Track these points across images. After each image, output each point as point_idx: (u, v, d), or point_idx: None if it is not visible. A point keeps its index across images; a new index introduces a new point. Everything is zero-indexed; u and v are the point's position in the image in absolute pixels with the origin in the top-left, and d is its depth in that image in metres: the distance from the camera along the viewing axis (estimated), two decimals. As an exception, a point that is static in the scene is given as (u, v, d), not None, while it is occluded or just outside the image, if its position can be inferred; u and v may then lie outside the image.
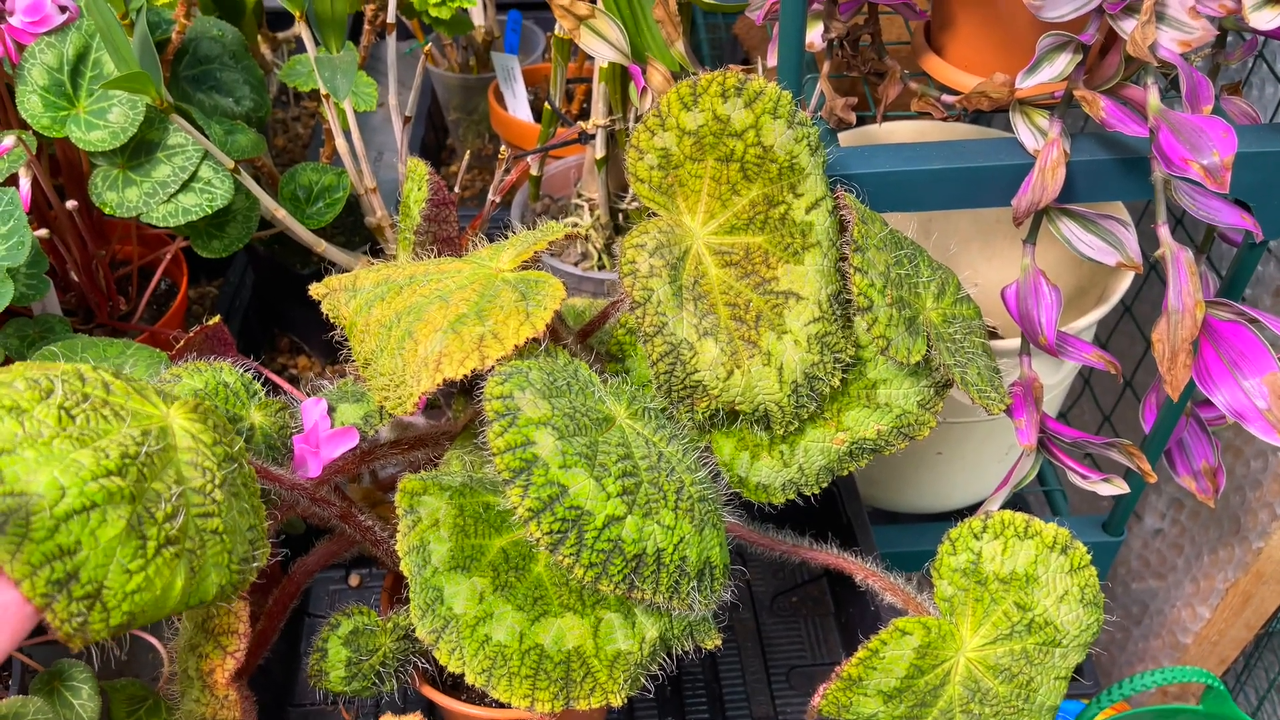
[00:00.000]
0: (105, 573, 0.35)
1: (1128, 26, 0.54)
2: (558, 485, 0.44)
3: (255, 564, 0.43)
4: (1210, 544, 1.12)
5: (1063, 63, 0.57)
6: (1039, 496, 1.03)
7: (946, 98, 0.66)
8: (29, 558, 0.34)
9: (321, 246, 0.74)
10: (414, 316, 0.50)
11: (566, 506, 0.44)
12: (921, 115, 0.68)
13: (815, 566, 0.81)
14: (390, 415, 0.57)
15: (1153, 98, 0.54)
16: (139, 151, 0.67)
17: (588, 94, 1.03)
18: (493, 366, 0.47)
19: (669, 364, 0.52)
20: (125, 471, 0.36)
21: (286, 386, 0.69)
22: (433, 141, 1.18)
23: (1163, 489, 1.16)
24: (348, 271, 0.80)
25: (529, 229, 0.88)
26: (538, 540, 0.44)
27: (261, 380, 0.56)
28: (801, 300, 0.54)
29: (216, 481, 0.40)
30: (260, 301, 0.92)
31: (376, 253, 0.85)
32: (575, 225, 0.84)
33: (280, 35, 1.05)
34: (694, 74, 0.71)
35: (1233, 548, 1.09)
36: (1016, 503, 1.00)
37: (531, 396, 0.46)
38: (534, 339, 0.47)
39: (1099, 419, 1.18)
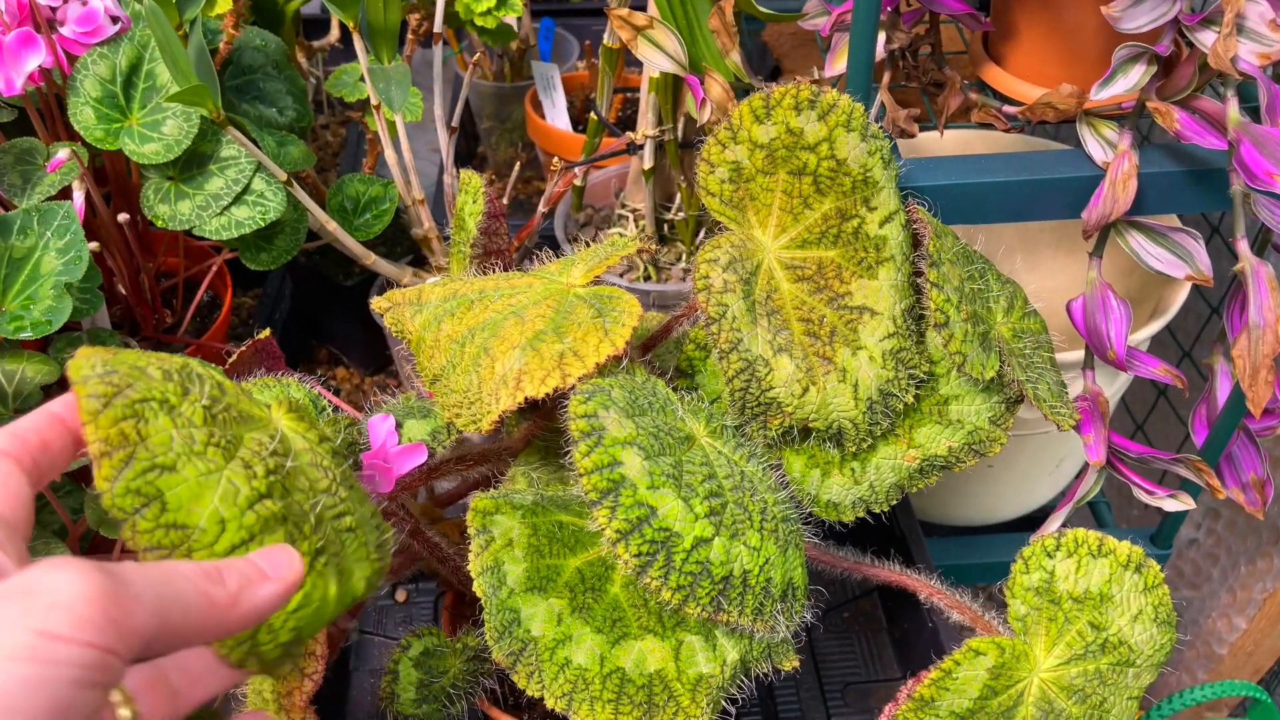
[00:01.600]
0: None
1: (1206, 39, 0.53)
2: (646, 506, 0.43)
3: (388, 546, 0.42)
4: (1247, 554, 1.11)
5: (1137, 74, 0.56)
6: (1083, 509, 1.02)
7: (1008, 108, 0.66)
8: None
9: (370, 259, 0.74)
10: (489, 333, 0.49)
11: (655, 528, 0.43)
12: (983, 126, 0.67)
13: (867, 581, 0.80)
14: (460, 433, 0.56)
15: (1233, 110, 0.54)
16: (191, 164, 0.66)
17: (624, 102, 1.02)
18: (573, 385, 0.46)
19: (744, 381, 0.51)
20: (273, 490, 0.35)
21: (337, 402, 0.68)
22: (464, 149, 1.17)
23: (1200, 499, 1.15)
24: (395, 281, 0.79)
25: (571, 239, 0.87)
26: (625, 562, 0.43)
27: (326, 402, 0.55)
28: (876, 315, 0.53)
29: (339, 480, 0.39)
30: (299, 312, 0.91)
31: (419, 263, 0.84)
32: (622, 235, 0.83)
33: (316, 43, 1.04)
34: (750, 84, 0.70)
35: (1271, 558, 1.08)
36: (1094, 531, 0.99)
37: (616, 415, 0.45)
38: (614, 356, 0.47)
39: (1130, 427, 1.17)
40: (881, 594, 0.79)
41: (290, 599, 0.34)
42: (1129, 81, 0.56)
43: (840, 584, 0.79)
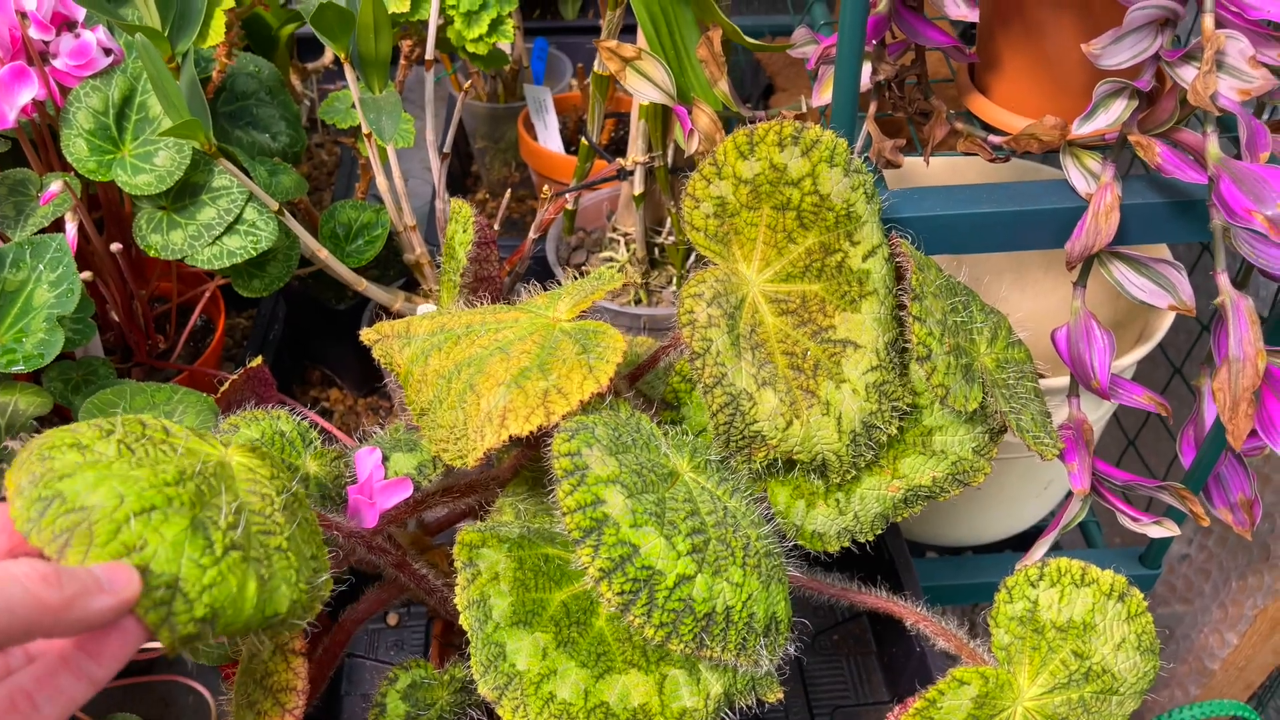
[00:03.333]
0: (177, 566, 0.36)
1: (1187, 75, 0.54)
2: (629, 545, 0.44)
3: (320, 592, 0.44)
4: (1239, 570, 1.12)
5: (1119, 108, 0.56)
6: (1073, 528, 1.02)
7: (993, 139, 0.66)
8: (98, 561, 0.35)
9: (362, 285, 0.74)
10: (475, 369, 0.50)
11: (638, 566, 0.43)
12: (968, 155, 0.67)
13: (856, 605, 0.81)
14: (446, 466, 0.57)
15: (1212, 146, 0.54)
16: (183, 194, 0.67)
17: (618, 126, 1.03)
18: (558, 422, 0.46)
19: (729, 415, 0.52)
20: (183, 483, 0.38)
21: (325, 424, 0.68)
22: (458, 170, 1.18)
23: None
24: (386, 307, 0.80)
25: (562, 263, 0.88)
26: (609, 600, 0.43)
27: (317, 429, 0.55)
28: (859, 349, 0.54)
29: (277, 505, 0.41)
30: (292, 335, 0.92)
31: (411, 287, 0.85)
32: (612, 259, 0.83)
33: (310, 66, 1.05)
34: (738, 113, 0.71)
35: (1262, 574, 1.09)
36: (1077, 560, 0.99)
37: (599, 453, 0.45)
38: (598, 394, 0.47)
39: (1122, 443, 1.18)
40: (871, 618, 0.79)
41: (123, 611, 0.35)
42: (1110, 116, 0.56)
43: (829, 607, 0.80)
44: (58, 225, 0.64)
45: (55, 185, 0.63)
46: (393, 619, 0.77)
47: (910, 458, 0.57)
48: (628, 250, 0.84)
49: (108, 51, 0.66)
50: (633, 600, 0.44)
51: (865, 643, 0.78)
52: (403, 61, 0.84)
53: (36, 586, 0.32)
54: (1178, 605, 1.25)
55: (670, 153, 0.78)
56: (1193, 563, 1.20)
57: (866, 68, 0.67)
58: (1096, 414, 0.79)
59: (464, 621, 0.49)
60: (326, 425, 0.66)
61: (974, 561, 0.87)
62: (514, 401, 0.47)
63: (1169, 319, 0.75)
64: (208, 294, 0.76)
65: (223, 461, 0.42)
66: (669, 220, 0.83)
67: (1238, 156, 0.55)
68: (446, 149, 0.78)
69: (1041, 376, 0.72)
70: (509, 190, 0.82)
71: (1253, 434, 0.77)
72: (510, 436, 0.46)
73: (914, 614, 0.62)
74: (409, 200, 0.75)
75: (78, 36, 0.64)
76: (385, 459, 0.56)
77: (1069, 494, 0.83)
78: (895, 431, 0.55)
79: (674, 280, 0.85)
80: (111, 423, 0.40)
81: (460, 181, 1.19)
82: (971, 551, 0.94)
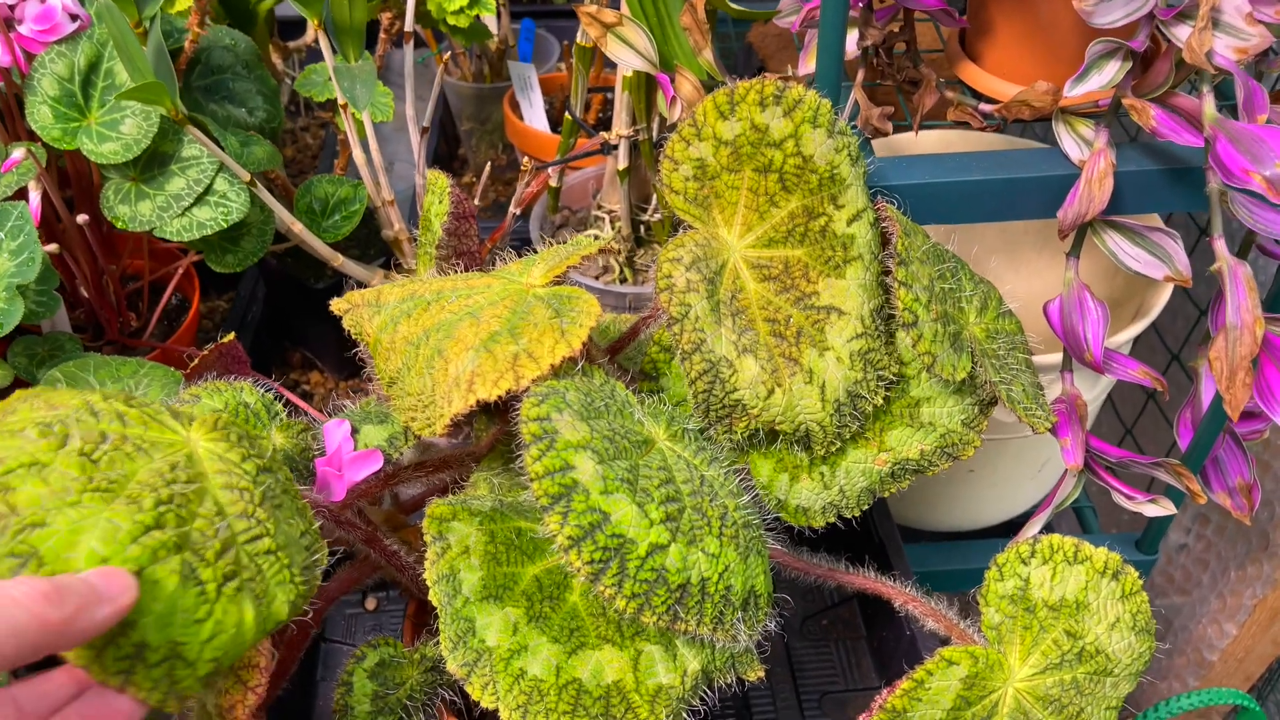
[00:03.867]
0: (174, 631, 0.34)
1: (1181, 33, 0.52)
2: (599, 512, 0.42)
3: (318, 568, 0.41)
4: (1237, 560, 1.10)
5: (1112, 70, 0.55)
6: (1068, 513, 1.01)
7: (984, 106, 0.64)
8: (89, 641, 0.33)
9: (338, 260, 0.72)
10: (443, 334, 0.48)
11: (608, 535, 0.42)
12: (958, 124, 0.66)
13: (845, 588, 0.79)
14: (416, 438, 0.55)
15: (1208, 106, 0.53)
16: (152, 164, 0.65)
17: (604, 103, 1.01)
18: (528, 387, 0.45)
19: (708, 382, 0.50)
20: (163, 521, 0.35)
21: (304, 405, 0.67)
22: (444, 151, 1.16)
23: (1188, 503, 1.14)
24: (364, 285, 0.78)
25: (547, 241, 0.86)
26: (578, 570, 0.42)
27: (283, 401, 0.54)
28: (844, 316, 0.52)
29: (256, 500, 0.38)
30: (272, 316, 0.90)
31: (393, 266, 0.83)
32: (597, 237, 0.82)
33: (291, 44, 1.03)
34: (723, 82, 0.69)
35: (1261, 564, 1.07)
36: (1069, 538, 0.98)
37: (570, 418, 0.43)
38: (570, 358, 0.45)
39: (1119, 430, 1.16)
40: (861, 601, 0.77)
41: (122, 617, 0.33)
42: (1103, 78, 0.55)
43: (819, 591, 0.78)
44: (21, 195, 0.62)
45: (18, 153, 0.61)
46: (371, 603, 0.76)
47: (897, 430, 0.55)
48: (612, 228, 0.82)
49: (74, 17, 0.64)
50: (603, 570, 0.42)
51: (855, 627, 0.76)
52: (382, 35, 0.82)
53: (39, 606, 0.31)
54: (1176, 596, 1.23)
55: (655, 126, 0.76)
56: (1191, 553, 1.18)
57: (854, 34, 0.65)
58: (1091, 394, 0.77)
59: (433, 596, 0.47)
60: (298, 401, 0.65)
61: (968, 547, 0.85)
62: (482, 365, 0.45)
63: (1165, 295, 0.74)
64: (180, 270, 0.74)
65: (190, 454, 0.38)
66: (655, 197, 0.81)
67: (1234, 120, 0.53)
68: (427, 123, 0.76)
69: (1035, 354, 0.71)
70: (488, 165, 0.81)
71: (1251, 416, 0.75)
72: (478, 401, 0.44)
73: (901, 594, 0.60)
74: (386, 174, 0.74)
75: (43, 1, 0.63)
76: (355, 431, 0.54)
77: (1064, 475, 0.81)
78: (881, 402, 0.53)
79: (660, 259, 0.83)
80: (64, 423, 0.36)
81: (448, 164, 1.18)
82: (966, 538, 0.92)
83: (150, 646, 0.34)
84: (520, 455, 0.44)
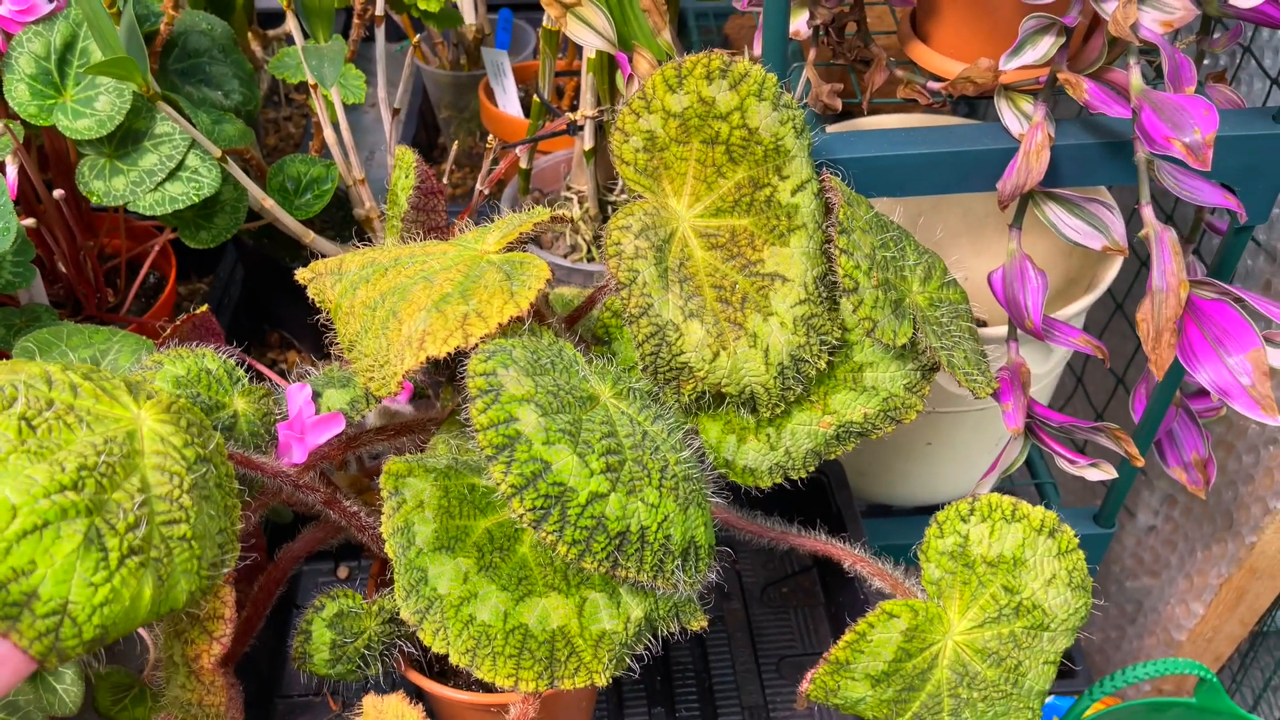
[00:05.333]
0: (67, 589, 0.35)
1: (1109, 7, 0.54)
2: (540, 462, 0.44)
3: (225, 568, 0.43)
4: (1204, 540, 1.12)
5: (1046, 45, 0.57)
6: (1030, 491, 1.03)
7: (932, 84, 0.67)
8: None
9: (310, 237, 0.74)
10: (398, 297, 0.50)
11: (549, 483, 0.44)
12: (908, 102, 0.68)
13: (805, 557, 0.81)
14: (377, 400, 0.57)
15: (1135, 78, 0.55)
16: (126, 140, 0.67)
17: (577, 89, 1.03)
18: (476, 344, 0.47)
19: (655, 345, 0.52)
20: (81, 485, 0.36)
21: (270, 374, 0.69)
22: (424, 140, 1.18)
23: (1155, 485, 1.16)
24: (336, 263, 0.80)
25: (519, 223, 0.88)
26: (520, 517, 0.44)
27: (245, 367, 0.55)
28: (787, 283, 0.54)
29: (184, 487, 0.40)
30: (250, 297, 0.92)
31: (364, 242, 0.85)
32: (563, 219, 0.84)
33: (271, 33, 1.05)
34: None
35: (1225, 543, 1.09)
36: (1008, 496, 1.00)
37: (515, 374, 0.45)
38: (518, 318, 0.47)
39: (1092, 416, 1.18)
40: (820, 569, 0.79)
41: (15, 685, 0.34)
42: (1038, 53, 0.57)
43: (780, 559, 0.80)
44: (-1, 170, 0.64)
45: (-6, 129, 0.63)
46: (343, 571, 0.78)
47: (841, 393, 0.57)
48: (580, 208, 0.84)
49: (50, -1, 0.66)
50: (544, 516, 0.44)
51: (814, 595, 0.78)
52: (355, 22, 0.84)
53: None
54: (1146, 578, 1.25)
55: (620, 107, 0.78)
56: (1159, 534, 1.20)
57: (804, 15, 0.67)
58: (1044, 367, 0.79)
59: (389, 549, 0.49)
60: (274, 376, 0.66)
61: (924, 521, 0.87)
62: (433, 325, 0.47)
63: (1114, 268, 0.76)
64: (157, 248, 0.76)
65: (132, 431, 0.40)
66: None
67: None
68: (397, 105, 0.78)
69: (983, 324, 0.73)
70: (454, 145, 0.82)
71: (1204, 394, 0.77)
72: (428, 358, 0.46)
73: (850, 554, 0.62)
74: (357, 153, 0.76)
75: (19, -17, 0.64)
76: (317, 395, 0.56)
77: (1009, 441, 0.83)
78: (824, 366, 0.55)
79: (628, 239, 0.85)
80: (15, 386, 0.38)
81: (428, 153, 1.20)
82: (926, 513, 0.94)
83: (40, 598, 0.34)
84: (468, 409, 0.46)
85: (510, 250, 0.54)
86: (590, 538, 0.44)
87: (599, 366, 0.51)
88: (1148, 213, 0.55)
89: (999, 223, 0.93)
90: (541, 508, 0.44)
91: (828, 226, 0.56)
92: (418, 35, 1.09)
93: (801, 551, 0.64)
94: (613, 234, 0.52)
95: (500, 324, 0.47)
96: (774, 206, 0.55)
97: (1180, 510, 1.17)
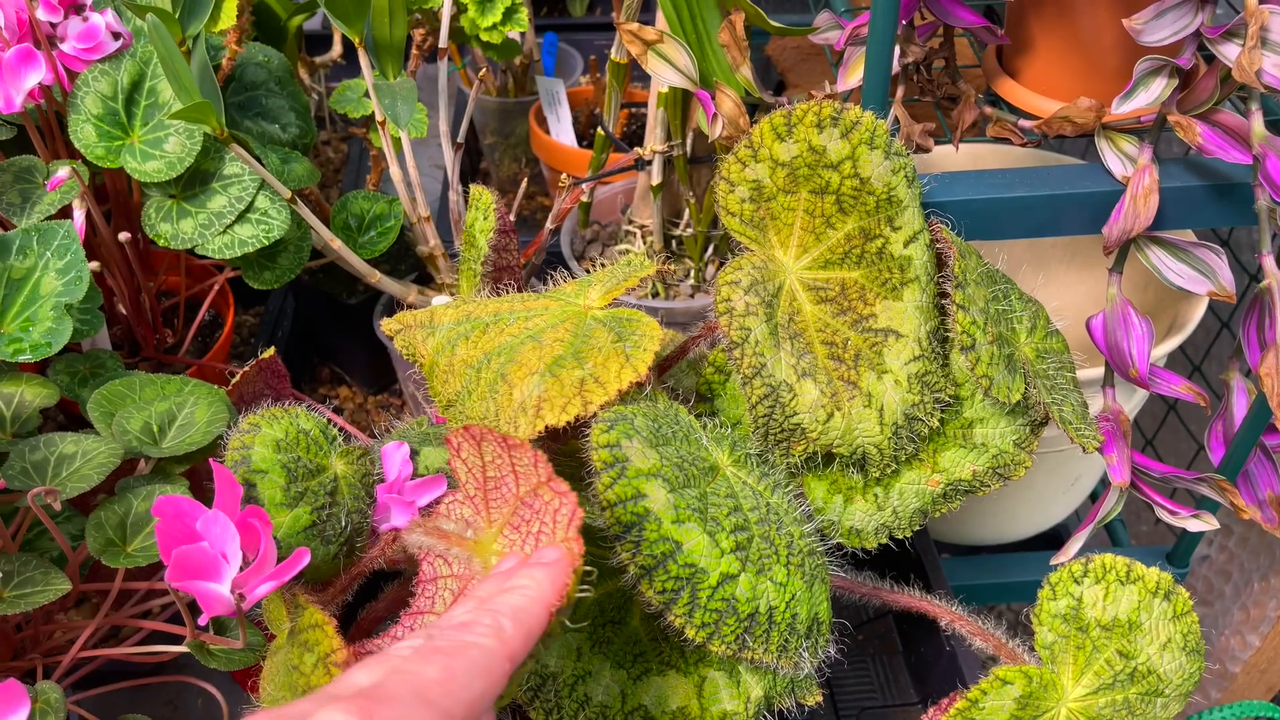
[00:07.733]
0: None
1: (1229, 52, 0.52)
2: (671, 541, 0.42)
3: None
4: (1260, 571, 1.10)
5: (1159, 87, 0.55)
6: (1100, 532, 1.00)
7: (1024, 123, 0.65)
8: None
9: (376, 277, 0.72)
10: (505, 358, 0.48)
11: (680, 564, 0.42)
12: (997, 140, 0.66)
13: (880, 603, 0.79)
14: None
15: (1257, 124, 0.53)
16: (194, 182, 0.65)
17: (630, 118, 1.01)
18: (594, 413, 0.45)
19: (768, 407, 0.50)
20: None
21: (346, 426, 0.66)
22: (467, 166, 1.16)
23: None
24: (399, 300, 0.78)
25: (577, 256, 0.86)
26: (649, 600, 0.41)
27: (336, 428, 0.53)
28: (901, 338, 0.52)
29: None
30: (301, 331, 0.90)
31: (424, 280, 0.83)
32: (629, 250, 0.82)
33: (318, 59, 1.03)
34: (760, 99, 0.69)
35: (1284, 575, 1.07)
36: (1065, 535, 0.98)
37: (639, 445, 0.43)
38: (637, 383, 0.45)
39: (1140, 442, 1.16)
40: (897, 617, 0.77)
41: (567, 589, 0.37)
42: (1150, 95, 0.55)
43: (854, 607, 0.78)
44: (65, 214, 0.62)
45: (63, 171, 0.61)
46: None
47: (950, 451, 0.55)
48: (644, 243, 0.82)
49: (116, 35, 0.64)
50: (674, 599, 0.42)
51: (891, 642, 0.76)
52: (414, 52, 0.82)
53: (486, 642, 0.33)
54: (1199, 607, 1.23)
55: (689, 142, 0.76)
56: (1213, 564, 1.18)
57: (895, 51, 0.65)
58: (1127, 407, 0.77)
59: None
60: (344, 425, 0.64)
61: (999, 560, 0.85)
62: (549, 391, 0.45)
63: (1201, 309, 0.74)
64: (216, 286, 0.74)
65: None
66: (687, 211, 0.81)
67: (1284, 139, 0.53)
68: (460, 139, 0.76)
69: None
70: (524, 180, 0.80)
71: (1272, 430, 0.75)
72: (546, 427, 0.44)
73: (949, 613, 0.60)
74: (423, 191, 0.74)
75: (86, 19, 0.62)
76: (414, 454, 0.54)
77: (1095, 491, 0.82)
78: (937, 424, 0.53)
79: (691, 273, 0.83)
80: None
81: (469, 178, 1.18)
82: (997, 551, 0.92)
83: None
84: (587, 481, 0.43)
85: (614, 305, 0.52)
86: (720, 621, 0.42)
87: (715, 432, 0.49)
88: (1269, 262, 0.53)
89: (1065, 253, 0.92)
90: (672, 590, 0.42)
91: (940, 279, 0.54)
92: (464, 60, 1.07)
93: (894, 605, 0.62)
94: (722, 290, 0.50)
95: (619, 390, 0.45)
96: (886, 259, 0.53)
97: (1235, 541, 1.15)
